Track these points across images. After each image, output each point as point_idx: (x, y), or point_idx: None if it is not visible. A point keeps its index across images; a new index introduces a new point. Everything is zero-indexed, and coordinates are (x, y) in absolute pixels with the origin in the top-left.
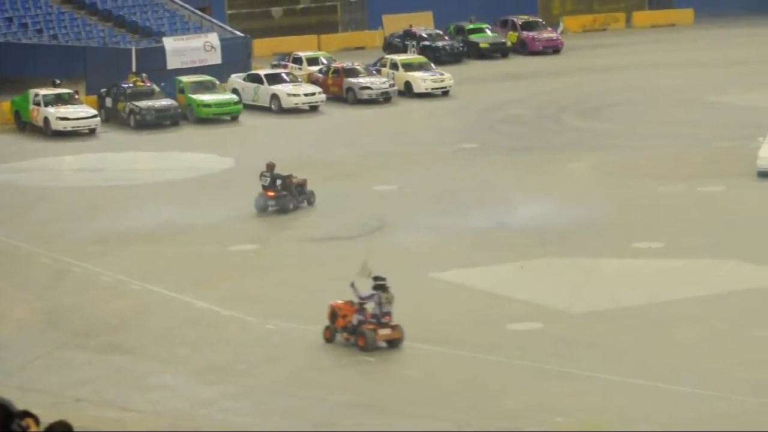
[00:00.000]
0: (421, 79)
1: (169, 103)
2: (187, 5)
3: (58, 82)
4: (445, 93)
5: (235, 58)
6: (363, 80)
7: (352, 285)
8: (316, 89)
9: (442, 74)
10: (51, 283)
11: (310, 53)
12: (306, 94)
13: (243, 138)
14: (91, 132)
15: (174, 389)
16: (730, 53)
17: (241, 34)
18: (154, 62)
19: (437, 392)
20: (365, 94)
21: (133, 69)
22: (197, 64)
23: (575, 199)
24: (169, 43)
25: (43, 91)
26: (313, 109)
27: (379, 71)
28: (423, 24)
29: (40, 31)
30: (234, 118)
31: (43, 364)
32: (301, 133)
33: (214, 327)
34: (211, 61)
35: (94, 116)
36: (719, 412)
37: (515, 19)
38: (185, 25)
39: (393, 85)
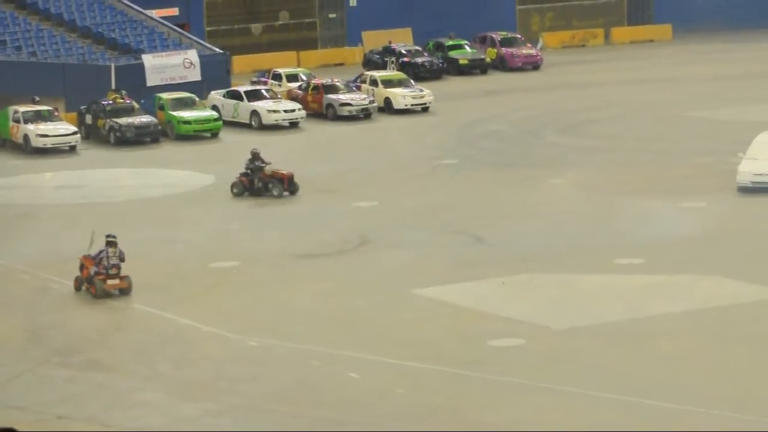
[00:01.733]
0: (401, 96)
1: (149, 120)
2: (166, 22)
3: (37, 99)
4: (425, 109)
5: (215, 74)
6: (343, 96)
7: (90, 244)
8: (296, 106)
9: (421, 90)
10: (32, 300)
11: (289, 70)
12: (286, 111)
13: (223, 155)
14: (71, 149)
15: (155, 406)
16: (709, 69)
17: (221, 51)
18: (133, 79)
19: (419, 408)
20: (345, 111)
21: (113, 86)
22: (177, 81)
23: (556, 215)
24: (148, 60)
25: (22, 108)
26: (293, 125)
27: (358, 88)
28: (402, 40)
29: (19, 48)
30: (214, 135)
31: (25, 381)
32: (281, 150)
33: (195, 344)
34: (191, 77)
35: (74, 133)
36: (700, 427)
37: (494, 36)
38: (164, 41)
39: (373, 102)
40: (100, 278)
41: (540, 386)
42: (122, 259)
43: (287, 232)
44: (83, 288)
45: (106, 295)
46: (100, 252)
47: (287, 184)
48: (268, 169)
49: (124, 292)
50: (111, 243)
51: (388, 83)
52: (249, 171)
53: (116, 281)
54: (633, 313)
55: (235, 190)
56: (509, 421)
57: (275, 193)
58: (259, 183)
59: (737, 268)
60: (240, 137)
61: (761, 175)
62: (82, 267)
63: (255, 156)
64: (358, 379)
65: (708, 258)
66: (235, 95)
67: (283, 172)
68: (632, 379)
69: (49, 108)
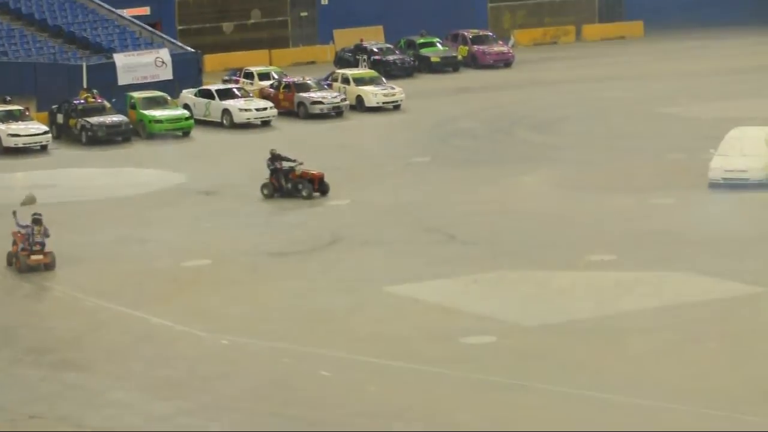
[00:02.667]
0: (373, 94)
1: (121, 119)
2: (137, 21)
3: (8, 98)
4: (397, 107)
5: (187, 73)
6: (314, 95)
7: (14, 214)
8: (268, 104)
9: (393, 88)
10: (3, 300)
11: (261, 68)
12: (257, 109)
13: (195, 153)
14: (43, 148)
15: (128, 405)
16: (680, 65)
17: (192, 50)
18: (105, 78)
19: (391, 406)
20: (317, 109)
21: (84, 85)
22: (148, 80)
23: (527, 212)
24: (120, 59)
25: None
26: (265, 124)
27: (330, 86)
28: (374, 38)
29: None
30: (185, 134)
31: None
32: (253, 148)
33: (168, 343)
34: (163, 76)
35: (46, 133)
36: (671, 423)
37: (466, 33)
38: (136, 41)
39: (344, 100)
40: (24, 254)
41: (512, 383)
42: (47, 236)
43: (259, 231)
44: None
45: (30, 269)
46: (22, 225)
47: (317, 185)
48: (298, 169)
49: (48, 267)
50: (36, 221)
51: (360, 81)
52: (273, 171)
53: (40, 257)
54: (604, 310)
55: (265, 191)
56: (481, 419)
57: (304, 194)
58: (288, 184)
59: (708, 265)
60: (211, 136)
61: (732, 171)
62: (14, 243)
63: (274, 156)
64: (330, 377)
65: (678, 254)
66: (207, 94)
67: (314, 172)
68: (603, 375)
69: (21, 107)
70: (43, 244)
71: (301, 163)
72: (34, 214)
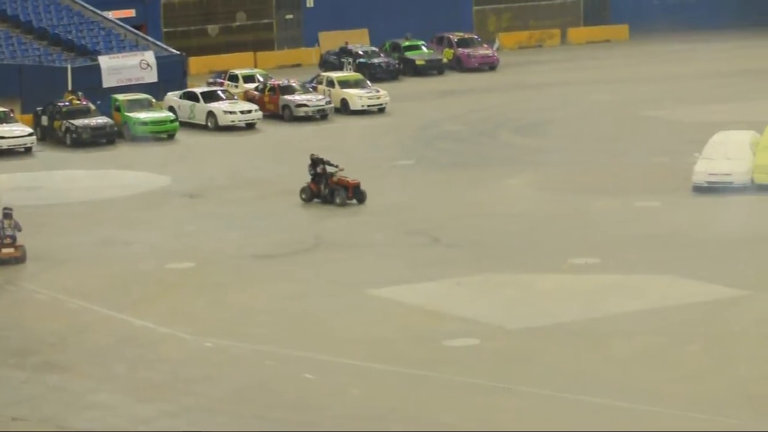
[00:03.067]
0: (357, 96)
1: (105, 121)
2: (123, 23)
3: None
4: (381, 110)
5: (171, 75)
6: (299, 97)
7: None
8: (253, 107)
9: (378, 91)
10: None
11: (246, 71)
12: (242, 112)
13: (179, 156)
14: (27, 150)
15: (111, 407)
16: (665, 69)
17: (177, 52)
18: (90, 81)
19: (375, 408)
20: (301, 112)
21: (69, 87)
22: (133, 82)
23: (512, 215)
24: (105, 61)
25: None
26: (250, 126)
27: (315, 88)
28: (359, 41)
29: None
30: (170, 136)
31: None
32: (238, 151)
33: (151, 345)
34: (147, 79)
35: (30, 135)
36: (655, 426)
37: (451, 36)
38: (121, 43)
39: (329, 103)
40: None
41: (495, 386)
42: (18, 230)
43: (244, 233)
44: None
45: (1, 263)
46: None
47: (351, 193)
48: (337, 175)
49: (19, 260)
50: (7, 215)
51: (345, 84)
52: (313, 177)
53: (11, 250)
54: (588, 313)
55: (303, 196)
56: (465, 422)
57: (338, 201)
58: (326, 190)
59: (691, 268)
60: (196, 138)
61: (716, 174)
62: None
63: (315, 161)
64: (314, 380)
65: (662, 257)
66: (192, 96)
67: (349, 179)
68: (587, 378)
69: (5, 109)
70: (14, 238)
71: (341, 169)
72: (5, 208)
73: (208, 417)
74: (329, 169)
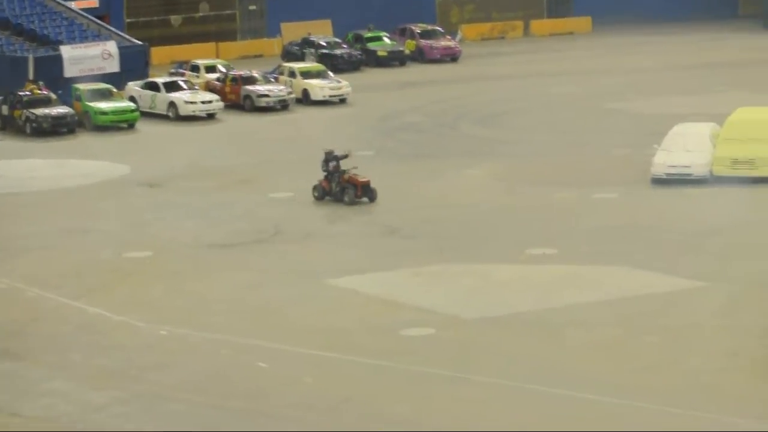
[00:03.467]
0: (319, 87)
1: (66, 110)
2: (85, 13)
3: None
4: (343, 101)
5: (133, 66)
6: (260, 88)
7: None
8: (214, 97)
9: (339, 82)
10: None
11: (207, 61)
12: (203, 102)
13: (140, 145)
14: None
15: (65, 395)
16: (627, 61)
17: (140, 42)
18: (51, 70)
19: (330, 398)
20: (263, 102)
21: (31, 77)
22: (95, 73)
23: (471, 205)
24: (66, 51)
25: None
26: (211, 116)
27: (276, 79)
28: (321, 32)
29: None
30: (131, 126)
31: None
32: (199, 141)
33: (106, 333)
34: (109, 69)
35: None
36: (610, 417)
37: (414, 28)
38: (83, 33)
39: (291, 93)
40: None
41: (451, 376)
42: None
43: (202, 223)
44: None
45: None
46: None
47: (360, 191)
48: (348, 173)
49: None
50: None
51: (307, 75)
52: (327, 173)
53: None
54: (545, 304)
55: (315, 194)
56: (420, 411)
57: (346, 199)
58: (337, 187)
59: (649, 259)
60: (157, 128)
61: (676, 166)
62: None
63: (328, 157)
64: (269, 369)
65: (620, 249)
66: (153, 86)
67: (359, 178)
68: (543, 369)
69: None
70: None
71: (347, 155)
72: None
73: (161, 405)
74: (340, 154)
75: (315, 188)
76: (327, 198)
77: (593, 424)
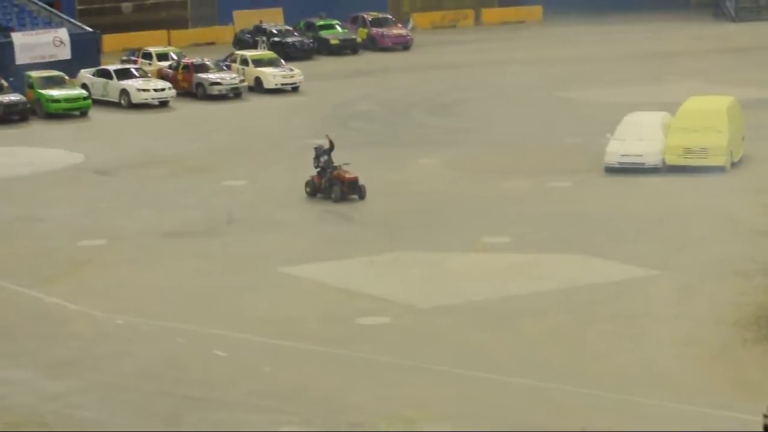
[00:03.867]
0: (271, 75)
1: (18, 98)
2: (36, 1)
3: None
4: (295, 89)
5: (85, 53)
6: (213, 76)
7: None
8: (166, 85)
9: (291, 70)
10: None
11: (159, 49)
12: (155, 90)
13: (92, 133)
14: None
15: (21, 384)
16: (578, 50)
17: (91, 30)
18: (3, 58)
19: (286, 386)
20: (215, 90)
21: None
22: (47, 60)
23: (424, 194)
24: (18, 38)
25: None
26: (163, 104)
27: (229, 67)
28: (273, 20)
29: None
30: (83, 114)
31: None
32: (151, 129)
33: (62, 322)
34: (61, 56)
35: None
36: (564, 405)
37: (365, 16)
38: (34, 20)
39: (243, 81)
40: None
41: (406, 364)
42: None
43: (156, 211)
44: None
45: None
46: None
47: (347, 188)
48: (337, 169)
49: None
50: None
51: (259, 63)
52: (319, 169)
53: None
54: (499, 292)
55: (307, 189)
56: (375, 399)
57: (333, 196)
58: (326, 183)
59: (602, 248)
60: (109, 116)
61: (628, 155)
62: None
63: (318, 152)
64: (225, 357)
65: (573, 237)
66: (105, 74)
67: (346, 174)
68: (498, 357)
69: None
70: None
71: (331, 145)
72: None
73: (117, 393)
74: (323, 159)
75: (307, 184)
76: (319, 195)
77: (546, 411)
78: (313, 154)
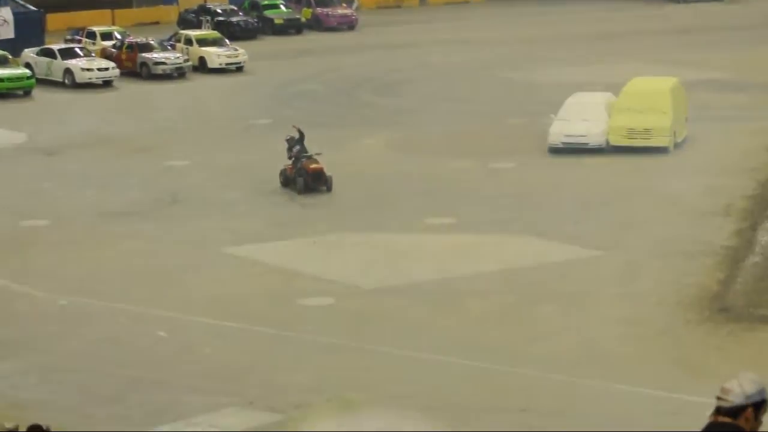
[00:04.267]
0: (216, 55)
1: None
2: None
3: None
4: (239, 69)
5: (29, 32)
6: (157, 55)
7: None
8: (110, 64)
9: (236, 50)
10: None
11: (104, 28)
12: (99, 69)
13: (36, 113)
14: None
15: None
16: (523, 31)
17: (35, 9)
18: None
19: (228, 367)
20: (159, 69)
21: None
22: None
23: (367, 175)
24: None
25: None
26: (107, 83)
27: (173, 46)
28: (218, 0)
29: None
30: (27, 93)
31: None
32: (95, 108)
33: (5, 303)
34: (4, 35)
35: None
36: (507, 385)
37: None
38: None
39: (187, 61)
40: None
41: (349, 345)
42: None
43: (100, 191)
44: None
45: None
46: None
47: (310, 179)
48: (309, 159)
49: None
50: None
51: (203, 42)
52: (294, 159)
53: None
54: (443, 273)
55: (281, 179)
56: (319, 381)
57: (297, 186)
58: (294, 174)
59: (546, 228)
60: (53, 95)
61: (572, 136)
62: None
63: (290, 143)
64: (168, 338)
65: (517, 218)
66: (49, 53)
67: (310, 165)
68: (441, 338)
69: None
70: None
71: (298, 130)
72: None
73: (60, 374)
74: (296, 150)
75: (281, 173)
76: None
77: (489, 392)
78: (286, 146)
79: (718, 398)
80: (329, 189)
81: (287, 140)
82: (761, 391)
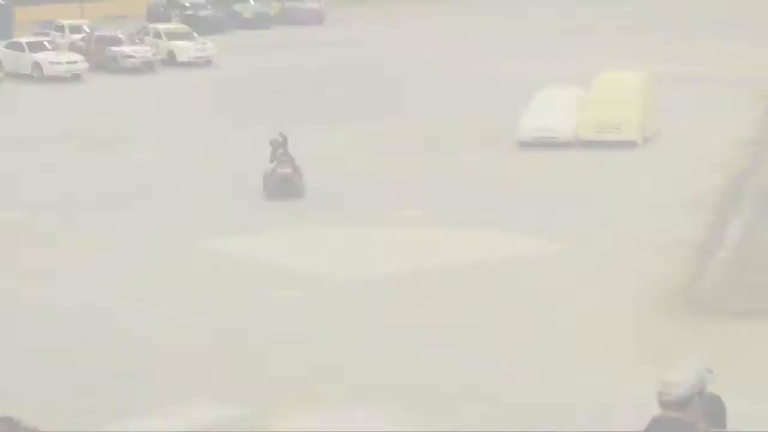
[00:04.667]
0: (184, 49)
1: None
2: None
3: None
4: (208, 62)
5: None
6: (125, 49)
7: None
8: (79, 57)
9: (205, 43)
10: None
11: (72, 22)
12: (68, 62)
13: (4, 106)
14: None
15: None
16: (493, 25)
17: (3, 2)
18: None
19: (197, 359)
20: (128, 63)
21: None
22: None
23: (337, 168)
24: None
25: None
26: (76, 77)
27: (142, 40)
28: None
29: None
30: None
31: None
32: (63, 102)
33: None
34: None
35: None
36: (478, 379)
37: None
38: None
39: (156, 54)
40: None
41: (320, 337)
42: None
43: (68, 184)
44: None
45: None
46: None
47: (280, 183)
48: (285, 163)
49: None
50: None
51: (172, 36)
52: (275, 162)
53: None
54: (412, 266)
55: (263, 182)
56: (287, 376)
57: (265, 191)
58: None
59: (515, 222)
60: (21, 88)
61: (541, 130)
62: None
63: (274, 146)
64: (134, 331)
65: (486, 211)
66: (17, 46)
67: (279, 168)
68: (410, 331)
69: None
70: None
71: (284, 138)
72: None
73: (28, 370)
74: (279, 152)
75: (264, 176)
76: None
77: (459, 386)
78: (269, 149)
79: (660, 392)
80: (299, 195)
81: (271, 142)
82: (702, 378)
